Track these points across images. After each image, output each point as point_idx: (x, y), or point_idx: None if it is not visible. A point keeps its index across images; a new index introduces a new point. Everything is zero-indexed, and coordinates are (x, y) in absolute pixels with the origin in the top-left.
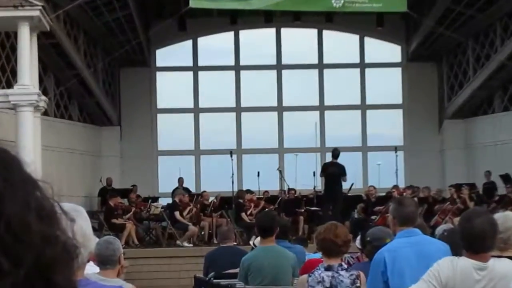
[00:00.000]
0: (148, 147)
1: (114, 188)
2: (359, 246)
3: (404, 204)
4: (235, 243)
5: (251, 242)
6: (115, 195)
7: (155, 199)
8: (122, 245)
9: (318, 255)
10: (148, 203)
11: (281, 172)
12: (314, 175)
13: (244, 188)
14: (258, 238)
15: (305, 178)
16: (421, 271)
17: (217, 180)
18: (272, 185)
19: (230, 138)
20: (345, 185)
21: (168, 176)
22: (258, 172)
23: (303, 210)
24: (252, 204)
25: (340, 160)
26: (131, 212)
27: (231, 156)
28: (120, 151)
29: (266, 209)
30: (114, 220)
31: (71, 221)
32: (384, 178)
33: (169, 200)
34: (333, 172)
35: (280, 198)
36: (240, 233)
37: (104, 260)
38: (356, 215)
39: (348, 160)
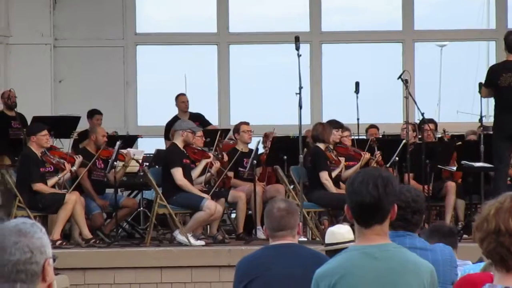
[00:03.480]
0: (114, 24)
1: (41, 116)
2: None
3: None
4: (302, 238)
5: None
6: (39, 128)
7: (130, 141)
8: (55, 241)
9: (482, 264)
10: (114, 149)
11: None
12: (480, 89)
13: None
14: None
15: (460, 103)
16: None
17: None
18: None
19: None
20: None
21: (156, 91)
22: None
23: (454, 169)
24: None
25: None
26: (68, 169)
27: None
28: (51, 32)
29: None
30: (38, 186)
31: None
32: None
33: (158, 143)
34: None
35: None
36: (319, 216)
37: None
38: None
39: None
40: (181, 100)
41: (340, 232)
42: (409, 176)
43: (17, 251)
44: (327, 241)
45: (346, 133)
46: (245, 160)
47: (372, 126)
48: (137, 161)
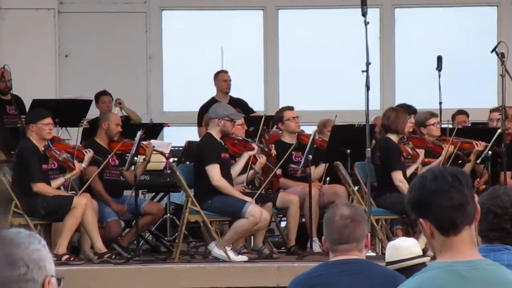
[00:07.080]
0: None
1: (43, 99)
2: None
3: None
4: (371, 253)
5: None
6: (40, 115)
7: (153, 131)
8: (60, 256)
9: None
10: (134, 141)
11: None
12: None
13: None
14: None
15: None
16: None
17: None
18: None
19: None
20: None
21: (186, 69)
22: None
23: None
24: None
25: None
26: (79, 169)
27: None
28: None
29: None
30: (39, 186)
31: None
32: None
33: (189, 134)
34: None
35: None
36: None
37: None
38: None
39: None
40: (222, 78)
41: (406, 245)
42: (506, 175)
43: (8, 265)
44: (388, 258)
45: (433, 120)
46: (294, 154)
47: (461, 111)
48: (162, 153)
